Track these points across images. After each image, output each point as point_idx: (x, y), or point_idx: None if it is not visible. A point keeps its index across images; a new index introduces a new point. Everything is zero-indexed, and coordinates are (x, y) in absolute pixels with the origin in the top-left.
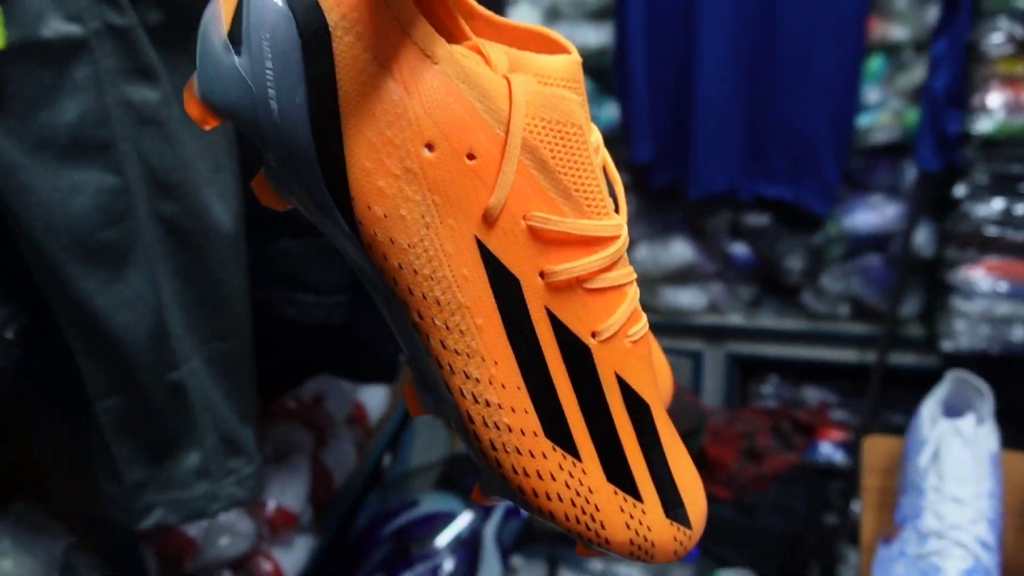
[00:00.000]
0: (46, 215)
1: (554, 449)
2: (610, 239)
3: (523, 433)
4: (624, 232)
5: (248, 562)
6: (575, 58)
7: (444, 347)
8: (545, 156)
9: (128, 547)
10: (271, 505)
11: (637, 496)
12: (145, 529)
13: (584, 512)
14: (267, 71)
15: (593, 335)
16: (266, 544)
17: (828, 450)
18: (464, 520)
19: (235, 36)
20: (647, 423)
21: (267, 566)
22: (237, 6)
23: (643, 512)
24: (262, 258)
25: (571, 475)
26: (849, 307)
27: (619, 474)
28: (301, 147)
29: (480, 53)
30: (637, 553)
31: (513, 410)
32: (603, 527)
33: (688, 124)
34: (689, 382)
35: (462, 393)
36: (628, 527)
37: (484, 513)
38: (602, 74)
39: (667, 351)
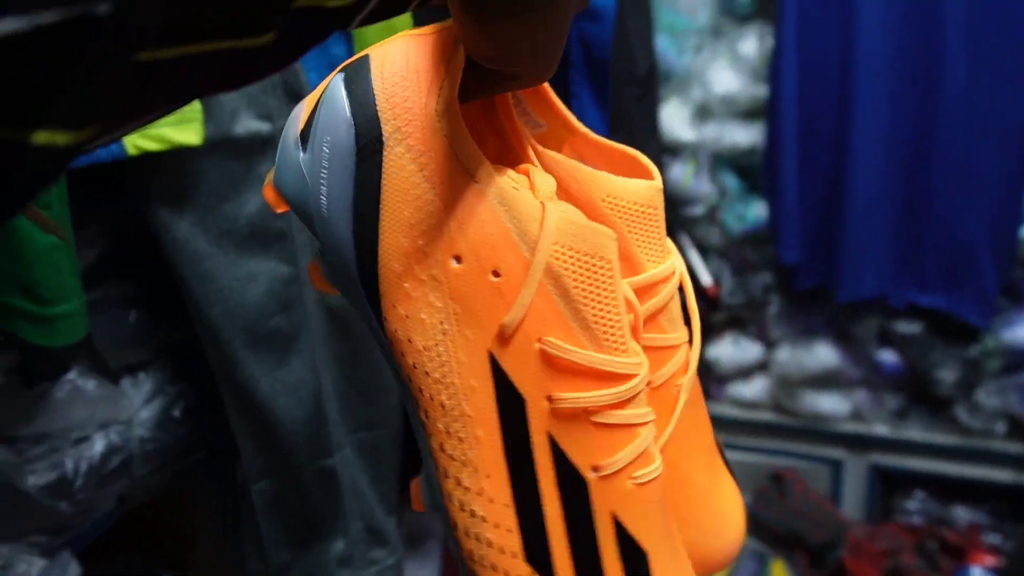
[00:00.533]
0: (224, 301)
1: (531, 574)
2: (625, 376)
3: (503, 551)
4: (643, 372)
5: None
6: (655, 184)
7: (443, 450)
8: (568, 284)
9: None
10: None
11: None
12: None
13: None
14: (323, 169)
15: (594, 469)
16: None
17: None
18: None
19: (305, 134)
20: (641, 573)
21: None
22: (313, 109)
23: None
24: None
25: None
26: (1006, 424)
27: None
28: (342, 242)
29: (528, 176)
30: None
31: (497, 526)
32: None
33: (838, 226)
34: (827, 491)
35: (451, 498)
36: None
37: None
38: (751, 172)
39: (805, 457)
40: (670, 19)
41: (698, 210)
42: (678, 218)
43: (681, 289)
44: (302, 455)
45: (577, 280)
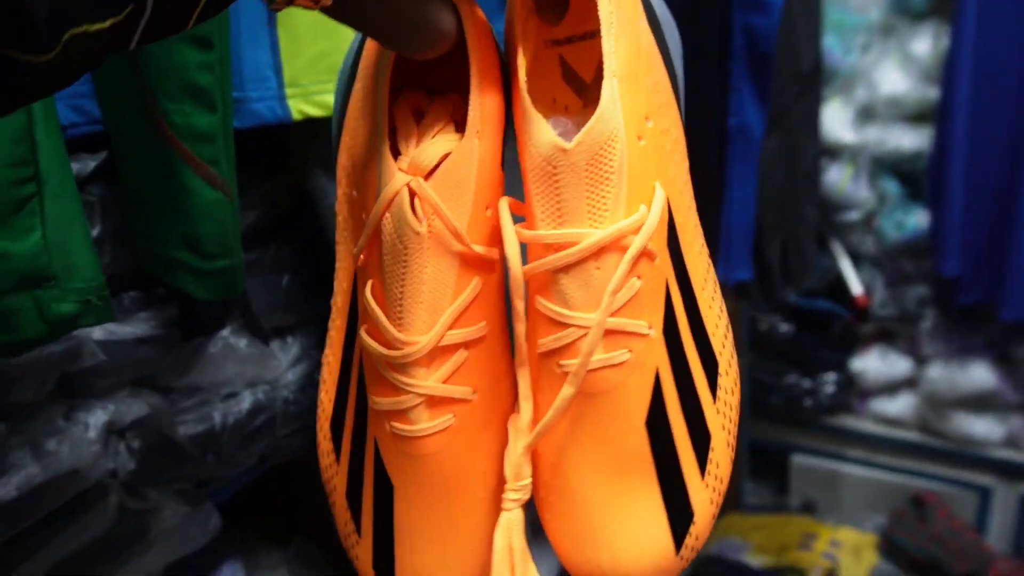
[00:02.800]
0: None
1: (329, 439)
2: (396, 345)
3: (323, 412)
4: (413, 350)
5: None
6: (559, 144)
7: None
8: (385, 247)
9: None
10: None
11: (358, 530)
12: None
13: (328, 497)
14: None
15: (372, 400)
16: None
17: None
18: None
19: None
20: (386, 497)
21: None
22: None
23: (357, 543)
24: None
25: (330, 467)
26: None
27: (353, 502)
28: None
29: (414, 142)
30: (351, 558)
31: (327, 392)
32: (334, 519)
33: (1007, 240)
34: (972, 520)
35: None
36: (346, 539)
37: None
38: (913, 179)
39: (950, 482)
40: (839, 16)
41: (854, 216)
42: (832, 223)
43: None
44: None
45: (386, 248)
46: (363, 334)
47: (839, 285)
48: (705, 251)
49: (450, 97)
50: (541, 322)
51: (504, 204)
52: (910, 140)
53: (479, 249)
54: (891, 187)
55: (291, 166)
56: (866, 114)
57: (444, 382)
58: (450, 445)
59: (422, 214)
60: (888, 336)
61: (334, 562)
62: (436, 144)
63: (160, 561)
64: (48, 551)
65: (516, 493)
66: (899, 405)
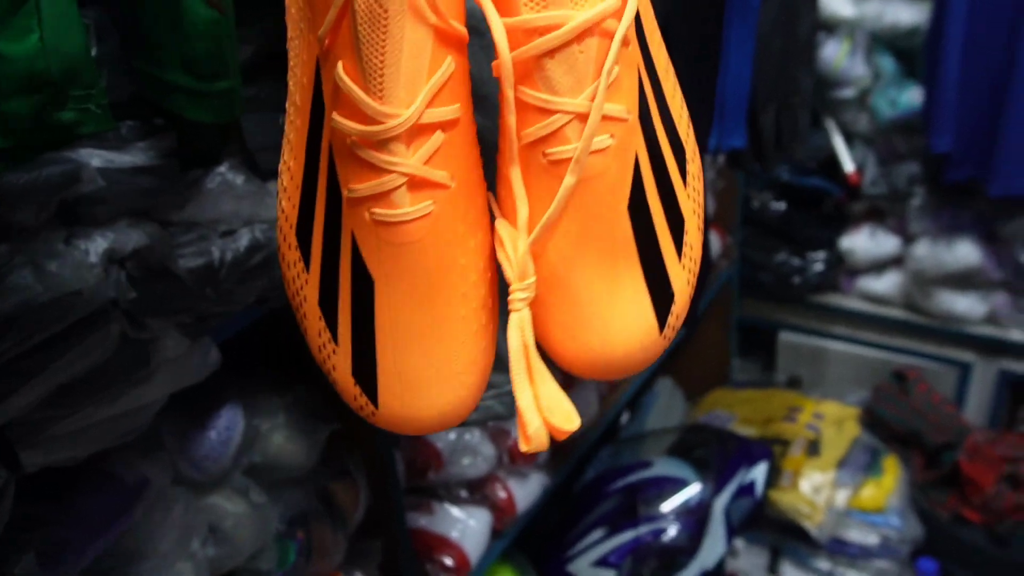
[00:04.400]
0: None
1: (295, 248)
2: (376, 120)
3: (286, 220)
4: (395, 123)
5: (485, 486)
6: None
7: (282, 124)
8: (358, 20)
9: (384, 446)
10: (514, 435)
11: (335, 339)
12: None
13: (297, 311)
14: None
15: (347, 189)
16: (504, 472)
17: None
18: (694, 489)
19: None
20: (366, 295)
21: (502, 493)
22: None
23: (334, 353)
24: None
25: (299, 277)
26: None
27: (328, 308)
28: None
29: None
30: (326, 371)
31: (289, 199)
32: (304, 334)
33: (1000, 117)
34: (952, 395)
35: (280, 166)
36: (320, 351)
37: (716, 487)
38: (910, 55)
39: (932, 358)
40: None
41: (848, 93)
42: (826, 101)
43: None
44: None
45: (362, 17)
46: (336, 118)
47: (832, 163)
48: (663, 45)
49: None
50: (524, 112)
51: None
52: (908, 15)
53: (454, 24)
54: (887, 63)
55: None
56: None
57: (426, 163)
58: (431, 233)
59: None
60: (878, 215)
61: (332, 409)
62: None
63: (162, 390)
64: (50, 374)
65: (524, 292)
66: (886, 283)
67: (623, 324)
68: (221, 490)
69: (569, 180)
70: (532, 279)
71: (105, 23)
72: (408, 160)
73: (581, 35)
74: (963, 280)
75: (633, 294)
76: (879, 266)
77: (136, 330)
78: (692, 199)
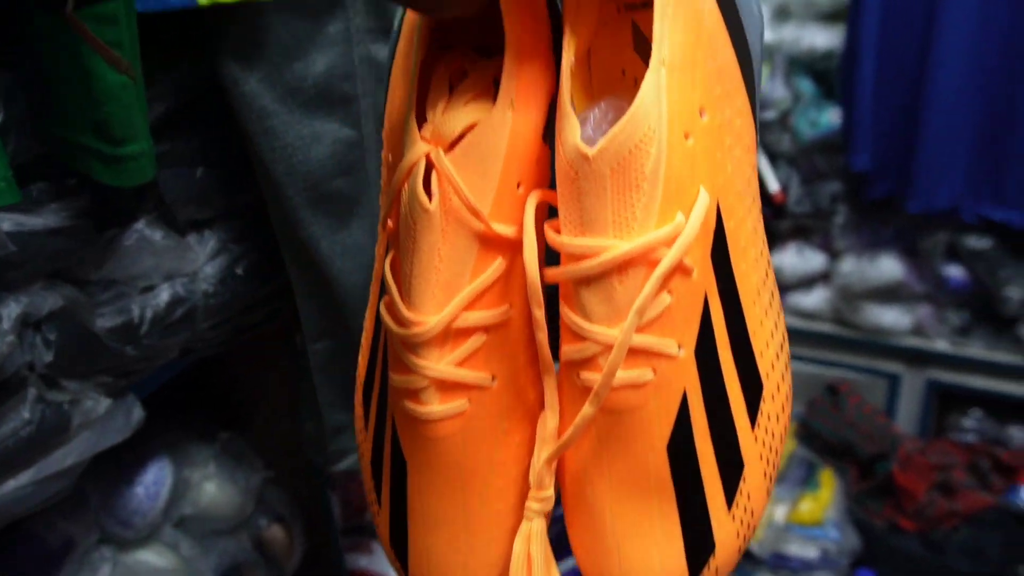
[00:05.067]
0: (288, 159)
1: (360, 404)
2: (404, 323)
3: (359, 376)
4: (421, 331)
5: None
6: (581, 149)
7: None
8: (402, 222)
9: (316, 491)
10: None
11: (379, 500)
12: (336, 473)
13: (361, 459)
14: None
15: (393, 375)
16: None
17: None
18: None
19: None
20: (401, 475)
21: None
22: None
23: (377, 512)
24: None
25: (361, 431)
26: None
27: (376, 471)
28: None
29: (440, 111)
30: (373, 523)
31: (362, 352)
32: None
33: (915, 135)
34: (883, 406)
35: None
36: (369, 503)
37: None
38: (827, 77)
39: (862, 370)
40: None
41: (770, 115)
42: None
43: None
44: (358, 317)
45: (402, 223)
46: (381, 307)
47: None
48: (764, 257)
49: (483, 74)
50: (565, 330)
51: (532, 199)
52: (824, 39)
53: (501, 228)
54: (805, 86)
55: (202, 55)
56: (781, 13)
57: (458, 365)
58: (464, 431)
59: (436, 189)
60: (804, 232)
61: (262, 456)
62: (464, 113)
63: (84, 452)
64: None
65: (537, 503)
66: (814, 299)
67: (647, 566)
68: (151, 545)
69: (588, 410)
70: (549, 492)
71: (11, 85)
72: (435, 365)
73: (623, 266)
74: (888, 294)
75: (663, 536)
76: (807, 282)
77: (54, 393)
78: (762, 442)
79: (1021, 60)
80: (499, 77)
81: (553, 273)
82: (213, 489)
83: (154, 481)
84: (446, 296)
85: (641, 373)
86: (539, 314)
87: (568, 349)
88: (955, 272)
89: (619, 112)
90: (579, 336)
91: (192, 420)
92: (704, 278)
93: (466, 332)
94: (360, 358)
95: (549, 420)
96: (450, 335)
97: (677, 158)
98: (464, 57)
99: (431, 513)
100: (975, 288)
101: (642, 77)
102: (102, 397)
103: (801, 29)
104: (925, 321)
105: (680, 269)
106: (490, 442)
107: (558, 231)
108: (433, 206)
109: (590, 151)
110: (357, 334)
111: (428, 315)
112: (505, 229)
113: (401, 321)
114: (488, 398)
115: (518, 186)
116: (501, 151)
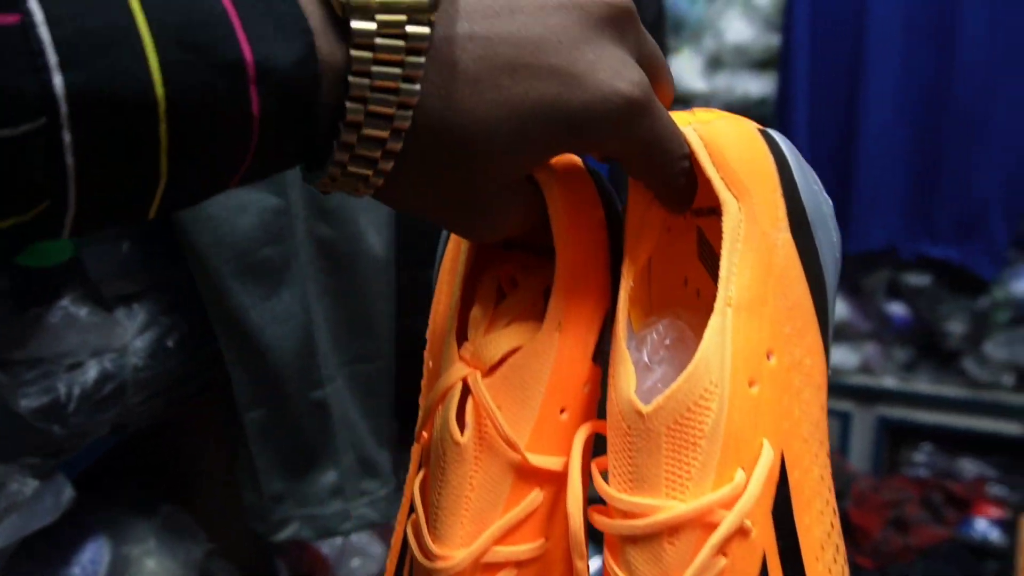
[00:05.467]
0: (213, 230)
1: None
2: (430, 556)
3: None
4: (446, 566)
5: None
6: (635, 407)
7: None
8: (432, 449)
9: (263, 559)
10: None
11: None
12: (280, 542)
13: None
14: None
15: None
16: None
17: (983, 527)
18: None
19: None
20: None
21: None
22: None
23: None
24: (410, 286)
25: None
26: (1014, 377)
27: None
28: None
29: (478, 336)
30: None
31: (390, 561)
32: None
33: (849, 176)
34: (835, 445)
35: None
36: None
37: None
38: (763, 123)
39: None
40: None
41: None
42: None
43: None
44: (292, 385)
45: (434, 446)
46: (409, 528)
47: None
48: (830, 507)
49: (528, 290)
50: None
51: (580, 436)
52: (757, 86)
53: (539, 461)
54: None
55: None
56: (715, 63)
57: None
58: None
59: (471, 418)
60: None
61: (205, 527)
62: (507, 334)
63: (10, 536)
64: None
65: None
66: None
67: None
68: None
69: None
70: None
71: None
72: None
73: (675, 528)
74: (835, 333)
75: None
76: None
77: None
78: None
79: (946, 106)
80: (551, 286)
81: (600, 522)
82: (153, 565)
83: (91, 560)
84: (476, 528)
85: None
86: (581, 566)
87: None
88: (898, 309)
89: (679, 337)
90: None
91: (131, 494)
92: (763, 537)
93: (496, 568)
94: (388, 561)
95: None
96: (478, 570)
97: (740, 411)
98: (516, 262)
99: None
100: (918, 324)
101: (705, 289)
102: (29, 479)
103: (734, 78)
104: (872, 359)
105: (739, 531)
106: None
107: (605, 468)
108: (465, 439)
109: (645, 409)
110: (293, 400)
111: (456, 548)
112: (544, 461)
113: (427, 553)
114: None
115: (561, 411)
116: (545, 377)
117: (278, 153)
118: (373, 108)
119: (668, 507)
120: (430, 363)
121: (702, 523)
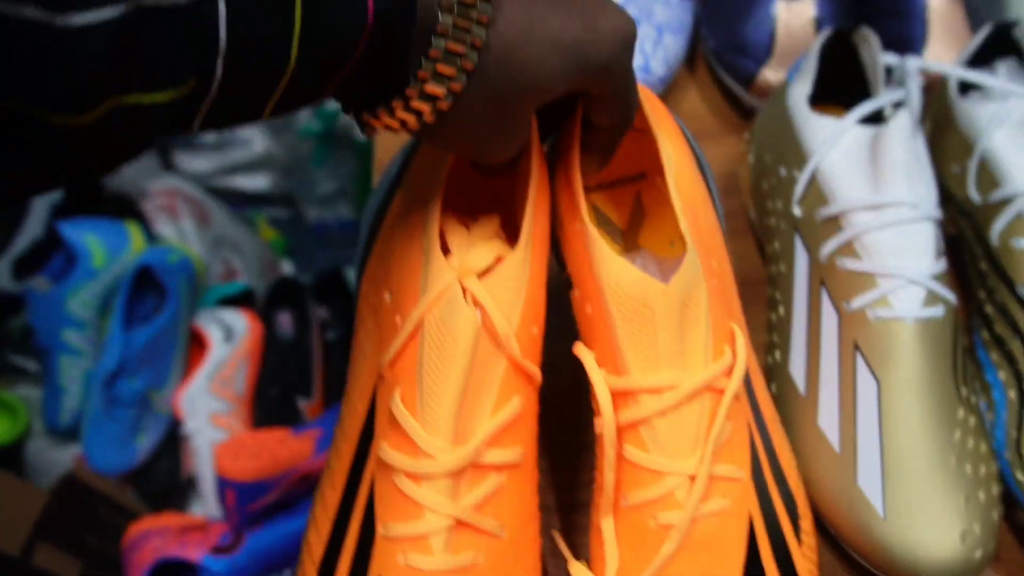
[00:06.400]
0: None
1: None
2: (423, 454)
3: (311, 556)
4: (448, 459)
5: None
6: (656, 285)
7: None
8: (424, 350)
9: None
10: None
11: None
12: None
13: None
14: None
15: (383, 526)
16: None
17: None
18: None
19: None
20: None
21: None
22: None
23: None
24: None
25: None
26: None
27: None
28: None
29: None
30: None
31: (318, 532)
32: None
33: None
34: None
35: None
36: None
37: None
38: None
39: None
40: None
41: None
42: None
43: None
44: None
45: (429, 348)
46: (385, 447)
47: None
48: (770, 397)
49: (492, 216)
50: (630, 473)
51: (589, 353)
52: None
53: (528, 364)
54: None
55: None
56: None
57: (475, 509)
58: None
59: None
60: None
61: None
62: (489, 247)
63: None
64: None
65: None
66: None
67: None
68: None
69: (668, 547)
70: None
71: None
72: (455, 503)
73: (692, 395)
74: None
75: None
76: None
77: None
78: (807, 558)
79: None
80: (498, 232)
81: (631, 412)
82: None
83: None
84: (470, 429)
85: (718, 500)
86: (612, 453)
87: (637, 492)
88: None
89: (649, 262)
90: (654, 473)
91: None
92: (744, 405)
93: (485, 471)
94: (313, 535)
95: (610, 563)
96: (470, 473)
97: (712, 298)
98: (489, 188)
99: None
100: None
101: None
102: None
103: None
104: None
105: (735, 397)
106: None
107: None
108: (478, 318)
109: (665, 286)
110: None
111: (457, 444)
112: (528, 365)
113: (422, 452)
114: (497, 551)
115: (532, 326)
116: (523, 289)
117: (376, 60)
118: (458, 21)
119: (689, 377)
120: (386, 296)
121: (712, 389)
